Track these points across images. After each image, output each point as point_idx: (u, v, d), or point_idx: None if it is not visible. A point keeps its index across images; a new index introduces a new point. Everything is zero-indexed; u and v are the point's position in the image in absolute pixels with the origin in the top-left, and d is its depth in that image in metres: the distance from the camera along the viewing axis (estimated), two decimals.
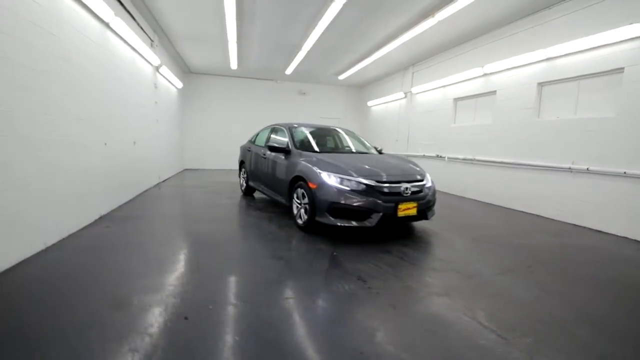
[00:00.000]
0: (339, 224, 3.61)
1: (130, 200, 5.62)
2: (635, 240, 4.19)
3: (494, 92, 6.60)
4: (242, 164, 6.78)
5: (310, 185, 3.84)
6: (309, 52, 7.98)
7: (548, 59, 5.40)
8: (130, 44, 5.52)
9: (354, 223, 3.61)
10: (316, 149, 4.78)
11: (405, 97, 9.84)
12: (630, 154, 4.29)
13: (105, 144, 4.64)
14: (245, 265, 2.98)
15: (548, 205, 5.39)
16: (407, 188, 3.79)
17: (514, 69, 6.05)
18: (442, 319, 2.16)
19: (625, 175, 4.34)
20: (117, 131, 5.07)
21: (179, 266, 2.88)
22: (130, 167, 5.70)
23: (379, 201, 3.58)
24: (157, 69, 7.37)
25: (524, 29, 5.78)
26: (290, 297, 2.40)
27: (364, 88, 12.94)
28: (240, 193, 6.84)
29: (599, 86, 4.78)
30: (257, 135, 6.46)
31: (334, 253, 3.35)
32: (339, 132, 5.62)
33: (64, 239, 3.41)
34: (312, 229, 3.98)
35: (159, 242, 3.50)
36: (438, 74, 8.21)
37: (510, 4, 5.36)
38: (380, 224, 3.61)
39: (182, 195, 6.48)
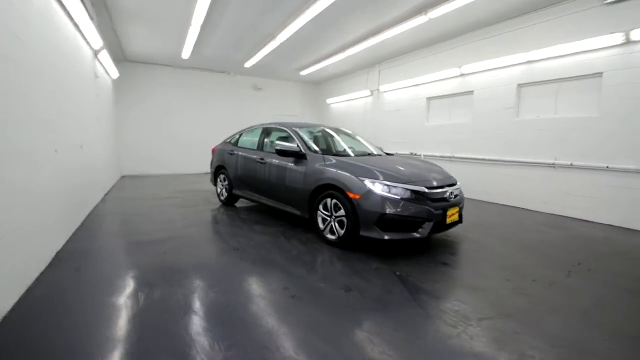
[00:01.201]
0: (386, 237, 3.19)
1: (83, 224, 4.32)
2: (620, 227, 4.69)
3: (471, 92, 6.86)
4: (219, 169, 5.83)
5: (351, 195, 3.33)
6: (282, 43, 7.27)
7: (529, 62, 5.76)
8: (75, 18, 4.19)
9: (405, 235, 3.23)
10: (333, 152, 4.26)
11: (372, 95, 9.79)
12: (613, 149, 4.78)
13: (56, 150, 3.40)
14: (317, 303, 2.35)
15: (533, 199, 5.79)
16: (451, 193, 3.56)
17: (494, 70, 6.34)
18: (612, 349, 1.93)
19: (607, 169, 4.82)
20: (65, 133, 3.79)
21: (241, 329, 2.13)
22: (79, 179, 4.36)
23: (430, 209, 3.27)
24: (96, 53, 5.87)
25: (505, 31, 6.07)
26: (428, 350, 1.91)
27: (320, 85, 12.58)
28: (217, 203, 5.88)
29: (578, 88, 5.24)
30: (240, 136, 5.61)
31: (397, 273, 2.93)
32: (341, 132, 5.15)
33: (19, 301, 2.31)
34: (348, 244, 3.48)
35: (169, 287, 2.61)
36: (409, 72, 8.29)
37: (499, 6, 5.54)
38: (430, 233, 3.31)
39: (148, 211, 5.26)
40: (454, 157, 7.23)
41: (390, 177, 3.34)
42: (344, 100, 11.20)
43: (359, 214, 3.27)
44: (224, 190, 5.73)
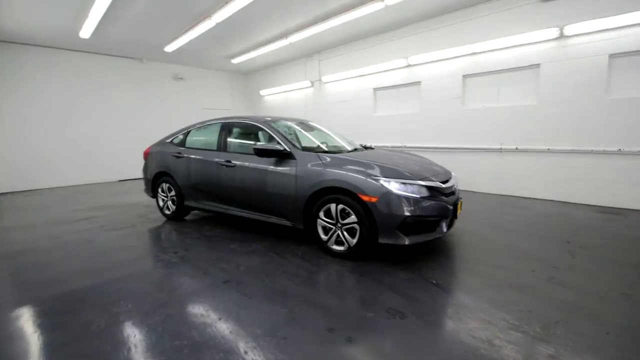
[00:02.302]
0: (407, 242, 2.85)
1: None
2: (562, 202, 5.32)
3: (418, 83, 7.01)
4: (160, 176, 4.69)
5: (365, 198, 2.87)
6: (218, 24, 6.23)
7: (473, 54, 6.09)
8: None
9: (426, 237, 2.94)
10: (319, 149, 3.69)
11: (312, 86, 9.36)
12: (552, 134, 5.37)
13: None
14: (388, 345, 1.86)
15: (485, 182, 6.22)
16: (455, 186, 3.42)
17: (440, 61, 6.55)
18: None
19: (548, 151, 5.41)
20: None
21: None
22: None
23: (447, 205, 3.04)
24: None
25: (451, 23, 6.28)
26: None
27: (251, 76, 11.58)
28: (160, 218, 4.75)
29: (518, 79, 5.72)
30: (188, 134, 4.57)
31: (433, 281, 2.62)
32: (313, 126, 4.59)
33: None
34: (359, 255, 3.04)
35: None
36: (353, 63, 8.10)
37: None
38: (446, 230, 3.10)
39: (63, 242, 3.85)
40: (405, 147, 7.35)
41: (401, 174, 2.99)
42: (280, 92, 10.51)
43: (377, 220, 2.84)
44: (169, 202, 4.63)
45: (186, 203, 4.43)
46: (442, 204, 3.00)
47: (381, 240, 2.89)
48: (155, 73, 9.51)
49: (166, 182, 4.60)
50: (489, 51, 5.89)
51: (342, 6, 5.86)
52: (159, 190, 4.74)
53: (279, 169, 3.43)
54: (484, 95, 6.16)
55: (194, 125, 4.62)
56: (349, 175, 3.00)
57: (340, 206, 3.04)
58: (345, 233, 3.06)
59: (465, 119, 6.37)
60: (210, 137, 4.28)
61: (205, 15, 5.96)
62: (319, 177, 3.14)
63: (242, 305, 2.32)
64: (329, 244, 3.17)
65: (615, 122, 4.82)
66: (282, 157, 3.44)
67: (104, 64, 8.50)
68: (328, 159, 3.26)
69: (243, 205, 3.81)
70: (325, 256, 3.20)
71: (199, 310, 2.26)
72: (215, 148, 4.11)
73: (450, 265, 2.96)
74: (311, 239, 3.62)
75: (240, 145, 4.00)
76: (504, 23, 5.64)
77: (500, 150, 5.95)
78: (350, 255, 3.06)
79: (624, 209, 4.78)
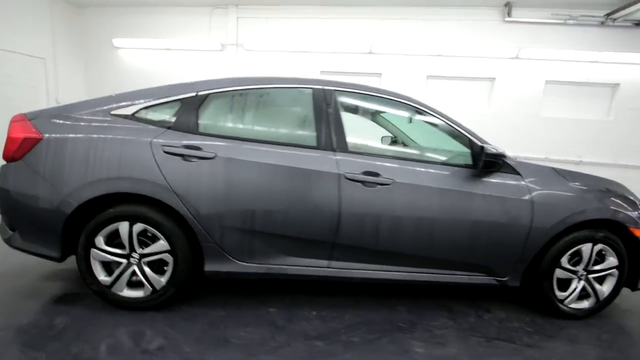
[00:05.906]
0: None
1: None
2: None
3: (379, 74, 6.40)
4: (106, 204, 1.84)
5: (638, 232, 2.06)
6: None
7: (440, 56, 6.09)
8: None
9: None
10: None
11: (223, 50, 6.81)
12: (500, 142, 6.14)
13: None
14: None
15: None
16: None
17: (407, 55, 6.18)
18: None
19: None
20: None
21: None
22: None
23: None
24: None
25: (419, 17, 5.96)
26: None
27: (95, 11, 7.06)
28: (89, 307, 1.91)
29: (474, 88, 6.21)
30: (201, 105, 2.02)
31: None
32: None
33: None
34: (595, 311, 2.21)
35: None
36: (294, 32, 6.44)
37: None
38: None
39: None
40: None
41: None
42: (160, 48, 7.02)
43: None
44: (143, 269, 1.89)
45: (210, 268, 1.93)
46: None
47: None
48: None
49: (135, 220, 1.83)
50: (453, 56, 6.05)
51: None
52: (99, 241, 1.85)
53: (495, 192, 1.98)
54: (444, 100, 6.34)
55: (209, 85, 2.07)
56: (615, 201, 2.07)
57: (599, 246, 2.07)
58: (595, 283, 2.12)
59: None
60: (284, 120, 2.07)
61: None
62: (578, 205, 2.00)
63: None
64: (566, 302, 2.12)
65: (543, 136, 6.09)
66: (491, 165, 2.03)
67: None
68: (559, 172, 2.16)
69: (400, 260, 1.99)
70: (551, 319, 2.13)
71: None
72: (312, 143, 1.97)
73: None
74: (474, 294, 2.39)
75: (388, 147, 2.28)
76: (469, 32, 5.91)
77: None
78: (588, 313, 2.18)
79: None
